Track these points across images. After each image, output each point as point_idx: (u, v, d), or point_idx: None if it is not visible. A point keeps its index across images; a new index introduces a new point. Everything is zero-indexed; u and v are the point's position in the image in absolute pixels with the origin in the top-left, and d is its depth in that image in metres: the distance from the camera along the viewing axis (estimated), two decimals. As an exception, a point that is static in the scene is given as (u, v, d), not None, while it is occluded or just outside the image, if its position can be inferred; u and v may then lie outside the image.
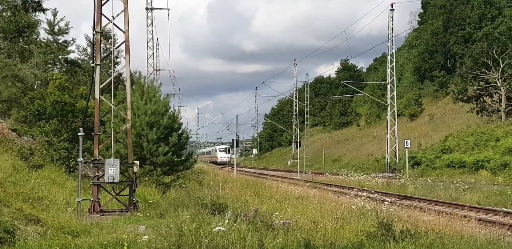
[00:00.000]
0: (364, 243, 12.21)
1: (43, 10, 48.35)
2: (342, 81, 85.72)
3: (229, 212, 14.62)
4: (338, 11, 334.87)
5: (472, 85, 64.36)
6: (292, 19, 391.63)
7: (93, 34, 22.83)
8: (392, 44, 62.27)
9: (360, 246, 12.01)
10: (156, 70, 75.36)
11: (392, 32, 61.20)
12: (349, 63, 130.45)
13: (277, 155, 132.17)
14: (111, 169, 20.70)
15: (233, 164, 60.81)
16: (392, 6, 60.23)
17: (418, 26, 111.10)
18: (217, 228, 10.21)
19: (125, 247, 13.02)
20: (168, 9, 77.77)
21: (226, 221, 12.64)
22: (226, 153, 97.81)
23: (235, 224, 12.55)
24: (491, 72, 61.37)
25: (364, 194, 25.29)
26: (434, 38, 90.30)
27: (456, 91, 67.21)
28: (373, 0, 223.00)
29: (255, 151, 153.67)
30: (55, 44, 48.83)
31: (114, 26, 22.55)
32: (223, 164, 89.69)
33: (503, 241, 14.01)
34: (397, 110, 63.68)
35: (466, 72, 64.80)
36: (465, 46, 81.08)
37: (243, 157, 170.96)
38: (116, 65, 31.98)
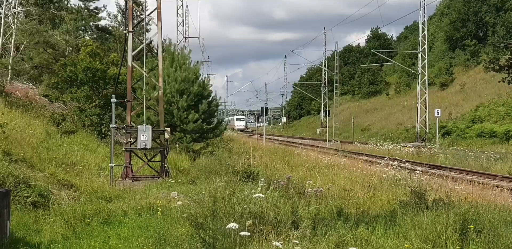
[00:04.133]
0: (397, 212, 12.17)
1: (74, -23, 48.37)
2: (372, 50, 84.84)
3: (262, 179, 14.65)
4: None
5: (504, 54, 63.39)
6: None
7: (125, 1, 22.81)
8: (424, 13, 61.65)
9: (393, 214, 11.97)
10: (185, 37, 75.40)
11: (424, 0, 60.49)
12: (379, 32, 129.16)
13: (305, 124, 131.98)
14: (143, 136, 20.83)
15: (262, 132, 60.81)
16: (424, -26, 59.50)
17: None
18: (256, 195, 10.21)
19: (159, 213, 13.14)
20: (198, -24, 77.13)
21: (259, 189, 12.66)
22: (241, 121, 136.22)
23: (268, 192, 12.57)
24: (524, 42, 60.54)
25: (395, 163, 25.20)
26: (466, 7, 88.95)
27: (488, 60, 66.25)
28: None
29: (283, 119, 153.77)
30: (86, 10, 48.91)
31: (146, -8, 22.52)
32: (240, 130, 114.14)
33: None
34: (427, 79, 63.12)
35: (498, 41, 63.90)
36: (497, 15, 79.94)
37: (272, 125, 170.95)
38: (146, 32, 32.00)
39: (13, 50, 41.36)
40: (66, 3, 49.79)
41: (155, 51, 31.46)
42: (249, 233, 8.52)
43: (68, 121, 29.45)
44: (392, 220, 11.29)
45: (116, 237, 11.63)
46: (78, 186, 16.67)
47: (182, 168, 23.35)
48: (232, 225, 8.31)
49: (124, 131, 23.32)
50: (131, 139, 22.37)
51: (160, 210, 13.32)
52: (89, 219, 13.14)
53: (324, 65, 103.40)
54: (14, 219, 11.97)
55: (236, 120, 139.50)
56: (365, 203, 13.91)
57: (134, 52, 22.38)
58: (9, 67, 39.26)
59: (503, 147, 43.64)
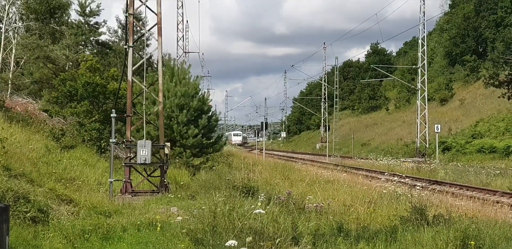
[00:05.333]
0: (398, 228, 12.14)
1: (75, -8, 48.48)
2: (371, 65, 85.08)
3: (262, 194, 14.62)
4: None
5: (504, 70, 63.46)
6: (323, 1, 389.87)
7: (126, 16, 22.90)
8: (424, 28, 61.81)
9: (394, 230, 11.93)
10: (185, 52, 75.50)
11: (424, 15, 60.73)
12: (379, 47, 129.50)
13: (305, 139, 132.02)
14: (143, 150, 20.80)
15: (262, 147, 60.74)
16: (424, -10, 59.67)
17: (449, 10, 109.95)
18: (257, 211, 10.17)
19: (158, 228, 13.09)
20: (199, -9, 77.50)
21: (259, 204, 12.62)
22: (238, 136, 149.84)
23: (268, 207, 12.54)
24: (523, 57, 60.56)
25: (395, 178, 25.16)
26: (465, 22, 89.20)
27: (488, 76, 66.28)
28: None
29: (283, 134, 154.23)
30: (86, 25, 49.00)
31: (146, 8, 22.57)
32: (238, 144, 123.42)
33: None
34: (427, 94, 63.17)
35: (498, 56, 63.96)
36: (496, 30, 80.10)
37: (271, 140, 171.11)
38: (146, 47, 32.09)
39: (13, 65, 41.44)
40: (66, 18, 49.89)
41: (155, 66, 31.51)
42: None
43: (67, 136, 29.42)
44: (392, 236, 11.27)
45: (115, 253, 11.59)
46: (77, 201, 16.62)
47: (182, 183, 23.31)
48: (231, 242, 8.26)
49: (123, 146, 23.30)
50: (131, 154, 22.34)
51: (159, 225, 13.27)
52: (88, 234, 13.09)
53: (324, 80, 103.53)
54: (13, 234, 11.90)
55: (233, 135, 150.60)
56: (365, 218, 13.87)
57: (134, 67, 22.40)
58: (9, 82, 39.34)
59: (503, 163, 43.58)
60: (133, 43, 22.34)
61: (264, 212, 10.57)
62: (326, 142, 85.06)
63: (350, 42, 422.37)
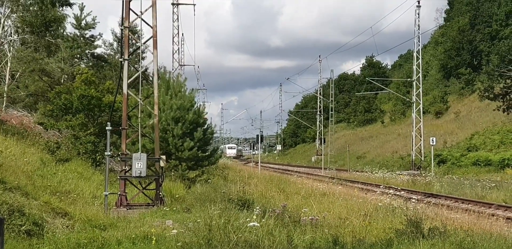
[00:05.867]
0: (393, 241, 12.13)
1: (70, 5, 48.56)
2: (367, 78, 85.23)
3: (257, 207, 14.59)
4: (364, 7, 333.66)
5: (499, 83, 63.69)
6: (318, 14, 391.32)
7: (121, 30, 22.91)
8: (419, 41, 61.99)
9: (389, 243, 11.92)
10: (181, 65, 75.52)
11: (419, 29, 60.92)
12: (374, 60, 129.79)
13: (300, 151, 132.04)
14: (138, 163, 20.73)
15: (257, 160, 60.66)
16: (418, 3, 59.93)
17: (444, 23, 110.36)
18: (251, 224, 10.17)
19: (153, 241, 13.05)
20: (194, 5, 77.31)
21: (254, 217, 12.61)
22: (232, 149, 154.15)
23: (263, 220, 12.52)
24: (517, 70, 60.70)
25: (391, 191, 25.15)
26: (460, 36, 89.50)
27: (483, 89, 66.51)
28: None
29: (279, 147, 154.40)
30: (81, 38, 49.04)
31: (142, 21, 22.59)
32: (232, 157, 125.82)
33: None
34: (422, 107, 63.29)
35: (493, 69, 64.17)
36: (491, 43, 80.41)
37: (267, 152, 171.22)
38: (142, 60, 32.10)
39: (9, 78, 41.40)
40: (62, 31, 49.95)
41: (151, 79, 31.53)
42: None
43: (63, 149, 29.38)
44: (388, 249, 11.25)
45: (110, 266, 11.55)
46: (72, 214, 16.58)
47: (177, 195, 23.25)
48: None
49: (119, 159, 23.25)
50: (126, 167, 22.28)
51: (154, 238, 13.23)
52: (83, 248, 13.04)
53: (320, 93, 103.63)
54: (8, 247, 11.87)
55: (228, 148, 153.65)
56: (361, 231, 13.86)
57: (129, 80, 22.39)
58: (4, 95, 39.27)
59: (498, 175, 43.60)
60: (128, 56, 22.35)
61: (258, 225, 10.56)
62: (321, 154, 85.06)
63: (346, 55, 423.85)
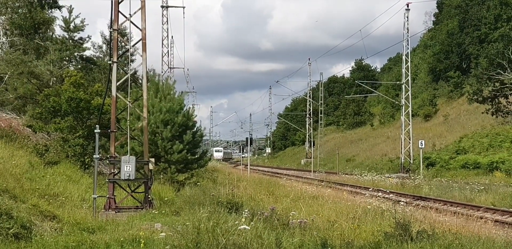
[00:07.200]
0: (382, 243, 12.14)
1: (59, 7, 48.52)
2: (356, 81, 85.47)
3: (246, 210, 14.58)
4: (354, 10, 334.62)
5: (487, 86, 63.89)
6: (308, 18, 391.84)
7: (110, 32, 22.87)
8: (407, 44, 62.09)
9: (377, 246, 11.94)
10: (170, 68, 75.58)
11: (408, 32, 60.98)
12: (363, 63, 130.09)
13: (290, 154, 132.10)
14: (127, 166, 20.70)
15: (247, 163, 60.64)
16: (407, 6, 60.03)
17: (433, 26, 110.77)
18: (242, 227, 10.15)
19: (142, 244, 13.02)
20: (184, 7, 77.45)
21: (243, 220, 12.59)
22: (219, 152, 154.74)
23: (252, 223, 12.51)
24: (506, 73, 60.81)
25: (380, 194, 25.18)
26: (449, 39, 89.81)
27: (471, 92, 66.70)
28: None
29: (268, 150, 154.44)
30: (70, 41, 48.91)
31: (130, 24, 22.56)
32: (219, 159, 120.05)
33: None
34: (411, 110, 63.42)
35: (482, 73, 64.28)
36: (480, 46, 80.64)
37: (257, 155, 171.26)
38: (131, 63, 32.05)
39: (-3, 80, 41.26)
40: (51, 33, 49.82)
41: (140, 81, 31.48)
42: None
43: (51, 152, 29.26)
44: (376, 252, 11.26)
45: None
46: (60, 217, 16.54)
47: (166, 198, 23.21)
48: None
49: (107, 162, 23.20)
50: (115, 170, 22.23)
51: (143, 241, 13.20)
52: (71, 251, 13.01)
53: (309, 96, 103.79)
54: (-5, 251, 11.83)
55: (215, 151, 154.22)
56: (349, 234, 13.86)
57: (118, 83, 22.38)
58: (-7, 98, 39.14)
59: (487, 178, 43.73)
60: (117, 58, 22.31)
61: (248, 228, 10.55)
62: (311, 157, 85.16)
63: (335, 58, 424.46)
